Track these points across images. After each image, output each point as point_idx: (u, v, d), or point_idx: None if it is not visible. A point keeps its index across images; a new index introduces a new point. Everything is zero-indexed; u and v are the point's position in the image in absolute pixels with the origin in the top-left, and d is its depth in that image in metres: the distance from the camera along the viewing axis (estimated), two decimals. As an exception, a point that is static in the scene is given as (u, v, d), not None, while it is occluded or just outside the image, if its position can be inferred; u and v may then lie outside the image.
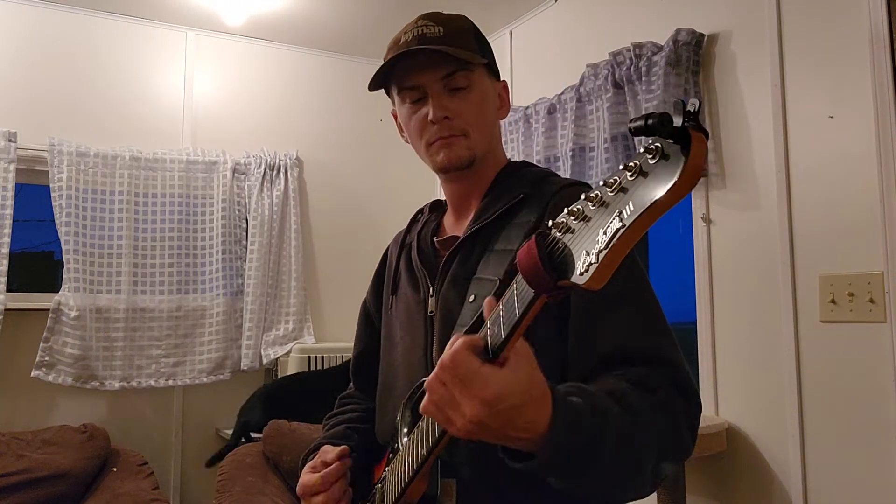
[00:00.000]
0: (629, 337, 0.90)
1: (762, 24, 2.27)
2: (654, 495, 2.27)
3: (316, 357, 3.24)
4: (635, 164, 0.52)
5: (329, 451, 1.08)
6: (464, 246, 1.04)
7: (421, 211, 1.24)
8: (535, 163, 1.35)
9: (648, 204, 0.50)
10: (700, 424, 0.92)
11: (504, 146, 3.16)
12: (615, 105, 2.61)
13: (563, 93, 2.89)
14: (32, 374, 2.91)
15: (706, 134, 0.51)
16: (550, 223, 0.60)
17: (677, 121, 0.50)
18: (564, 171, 2.78)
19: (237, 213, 3.40)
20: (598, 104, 2.70)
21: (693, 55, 2.42)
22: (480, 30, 1.12)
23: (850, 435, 1.98)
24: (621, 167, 0.54)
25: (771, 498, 2.17)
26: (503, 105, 1.12)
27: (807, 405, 2.10)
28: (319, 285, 3.64)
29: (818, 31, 2.11)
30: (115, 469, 2.70)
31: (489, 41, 1.13)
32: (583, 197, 0.57)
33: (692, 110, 0.50)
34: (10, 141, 2.96)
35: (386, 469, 1.02)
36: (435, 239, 1.14)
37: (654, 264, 3.06)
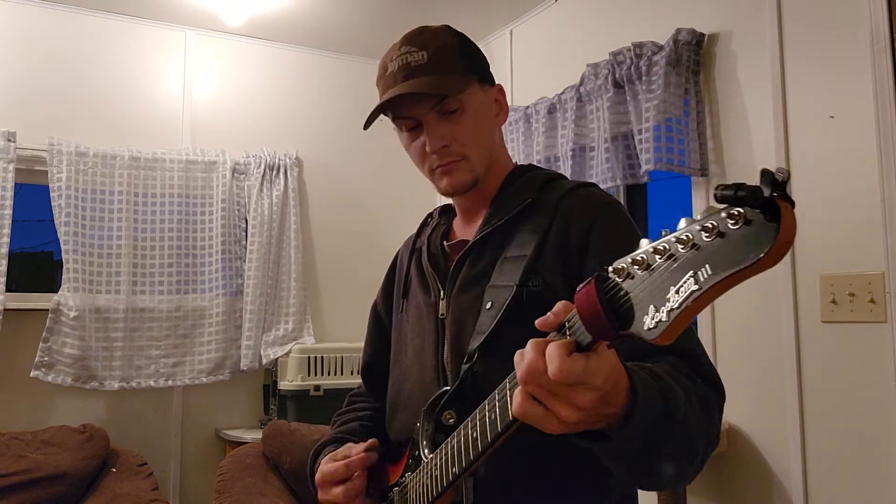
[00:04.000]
0: None
1: (762, 23, 2.27)
2: (654, 495, 2.27)
3: (316, 357, 3.24)
4: (713, 225, 0.51)
5: (353, 446, 1.08)
6: (473, 250, 1.05)
7: (431, 215, 1.25)
8: (536, 163, 1.35)
9: (732, 272, 0.50)
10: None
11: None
12: (615, 105, 2.60)
13: (563, 93, 2.89)
14: (32, 374, 2.90)
15: (793, 204, 0.50)
16: (610, 268, 0.60)
17: (766, 191, 0.49)
18: (565, 171, 2.78)
19: (237, 213, 3.40)
20: (598, 104, 2.70)
21: (693, 55, 2.42)
22: (468, 36, 1.11)
23: (850, 435, 1.98)
24: (695, 225, 0.53)
25: (771, 498, 2.17)
26: (501, 110, 1.12)
27: (807, 405, 2.09)
28: (319, 285, 3.64)
29: (818, 31, 2.11)
30: (114, 469, 2.70)
31: (488, 42, 1.13)
32: (649, 247, 0.56)
33: (780, 180, 0.50)
34: (9, 140, 2.96)
35: (406, 475, 1.02)
36: (445, 243, 1.15)
37: (654, 264, 3.04)
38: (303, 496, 2.58)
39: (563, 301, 0.69)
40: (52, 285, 3.19)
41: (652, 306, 0.55)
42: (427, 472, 0.94)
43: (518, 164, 1.15)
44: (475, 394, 0.86)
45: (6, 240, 2.90)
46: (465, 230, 1.14)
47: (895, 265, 1.88)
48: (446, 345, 1.03)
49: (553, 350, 0.65)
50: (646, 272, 0.56)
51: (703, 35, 2.43)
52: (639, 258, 0.57)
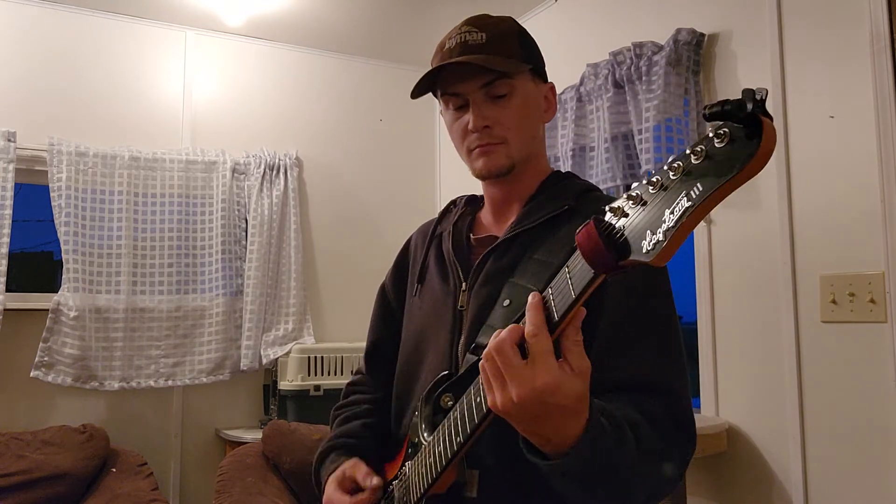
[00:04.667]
0: (650, 368, 0.93)
1: (762, 23, 2.27)
2: (654, 496, 2.27)
3: (316, 357, 3.24)
4: (701, 149, 0.56)
5: (360, 470, 1.06)
6: (501, 246, 1.04)
7: (454, 202, 1.24)
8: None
9: (721, 183, 0.54)
10: (700, 425, 0.95)
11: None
12: (615, 105, 2.60)
13: (563, 92, 2.89)
14: (32, 374, 2.90)
15: (771, 119, 0.55)
16: (607, 208, 0.64)
17: (748, 105, 0.54)
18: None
19: (237, 213, 3.40)
20: (598, 104, 2.70)
21: (693, 55, 2.42)
22: (527, 31, 1.11)
23: (850, 435, 1.98)
24: (687, 151, 0.57)
25: (771, 498, 2.17)
26: (549, 107, 1.11)
27: (807, 405, 2.09)
28: (319, 285, 3.64)
29: (818, 30, 2.11)
30: (114, 469, 2.70)
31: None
32: (642, 182, 0.60)
33: (760, 98, 0.55)
34: (9, 140, 2.96)
35: (406, 464, 1.01)
36: (472, 235, 1.13)
37: (654, 264, 3.03)
38: (303, 496, 2.58)
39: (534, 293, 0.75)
40: (52, 285, 3.19)
41: (648, 231, 0.59)
42: (428, 452, 0.94)
43: (556, 170, 1.14)
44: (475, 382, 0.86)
45: (6, 240, 2.90)
46: (495, 225, 1.13)
47: (895, 265, 1.88)
48: (462, 337, 1.03)
49: (505, 334, 0.74)
50: (640, 206, 0.60)
51: (703, 35, 2.43)
52: (633, 194, 0.61)
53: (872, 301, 1.92)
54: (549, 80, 1.13)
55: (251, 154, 3.45)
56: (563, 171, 1.16)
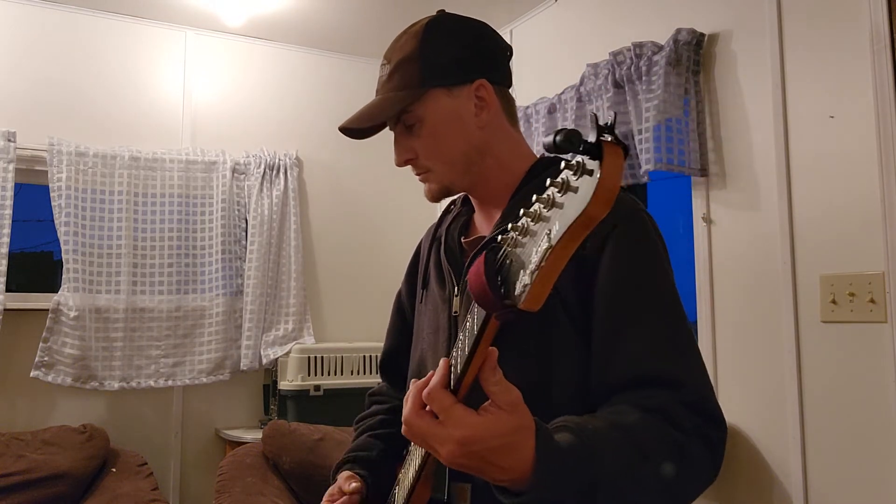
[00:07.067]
0: (654, 360, 0.87)
1: (763, 23, 2.27)
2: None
3: (316, 357, 3.24)
4: (562, 180, 0.51)
5: (344, 476, 1.09)
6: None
7: (454, 202, 1.21)
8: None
9: (569, 223, 0.49)
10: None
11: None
12: (616, 105, 2.60)
13: (563, 92, 2.89)
14: (32, 374, 2.90)
15: (625, 147, 0.49)
16: (500, 238, 0.59)
17: (592, 136, 0.49)
18: (564, 171, 2.77)
19: (237, 212, 3.40)
20: (598, 104, 2.70)
21: (693, 55, 2.42)
22: (439, 30, 1.02)
23: (850, 435, 1.98)
24: (547, 182, 0.53)
25: (771, 498, 2.17)
26: (483, 106, 1.03)
27: (807, 405, 2.09)
28: (319, 285, 3.64)
29: (819, 30, 2.11)
30: (114, 469, 2.70)
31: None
32: (521, 212, 0.55)
33: (606, 124, 0.49)
34: (9, 140, 2.96)
35: (401, 472, 1.02)
36: (462, 239, 1.11)
37: (654, 264, 3.03)
38: (303, 496, 2.58)
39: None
40: (52, 285, 3.19)
41: (522, 270, 0.54)
42: (409, 466, 0.94)
43: (544, 155, 1.09)
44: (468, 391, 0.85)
45: (6, 240, 2.90)
46: (484, 224, 1.10)
47: (895, 265, 1.88)
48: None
49: (410, 403, 0.72)
50: (527, 238, 0.55)
51: (703, 35, 2.43)
52: (520, 225, 0.56)
53: (872, 301, 1.92)
54: (478, 77, 1.03)
55: (251, 154, 3.45)
56: (552, 156, 1.09)
